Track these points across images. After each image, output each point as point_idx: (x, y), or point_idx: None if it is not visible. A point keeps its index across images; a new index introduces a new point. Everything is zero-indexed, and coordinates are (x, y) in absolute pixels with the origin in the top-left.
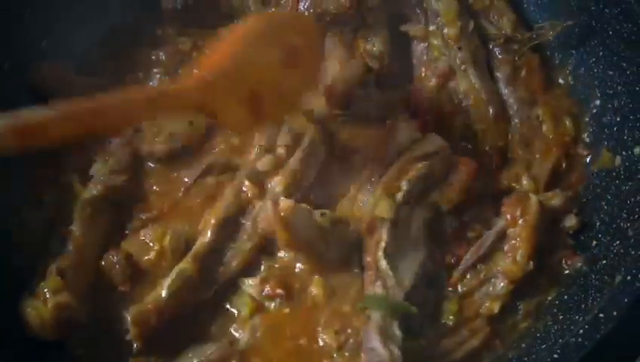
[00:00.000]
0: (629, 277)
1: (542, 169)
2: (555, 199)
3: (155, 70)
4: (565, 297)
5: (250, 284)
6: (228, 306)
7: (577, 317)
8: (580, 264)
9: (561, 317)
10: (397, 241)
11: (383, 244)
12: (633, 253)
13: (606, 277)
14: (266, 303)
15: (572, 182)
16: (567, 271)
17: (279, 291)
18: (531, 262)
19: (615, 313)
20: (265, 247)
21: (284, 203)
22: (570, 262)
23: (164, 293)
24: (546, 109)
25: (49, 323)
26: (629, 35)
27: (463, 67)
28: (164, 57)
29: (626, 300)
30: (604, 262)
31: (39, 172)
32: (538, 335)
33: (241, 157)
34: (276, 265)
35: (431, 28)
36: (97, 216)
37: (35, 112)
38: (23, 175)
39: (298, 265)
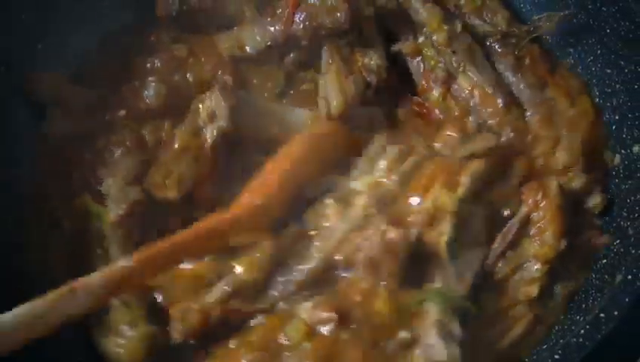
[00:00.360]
0: (629, 277)
1: (573, 141)
2: (576, 181)
3: (150, 78)
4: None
5: (304, 309)
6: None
7: (578, 317)
8: (607, 242)
9: (562, 317)
10: (459, 237)
11: (446, 237)
12: (633, 251)
13: (606, 277)
14: (318, 328)
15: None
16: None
17: (332, 314)
18: (563, 241)
19: (616, 312)
20: (331, 268)
21: (395, 233)
22: (597, 241)
23: (212, 297)
24: (558, 89)
25: (142, 357)
26: (627, 34)
27: (461, 68)
28: (159, 64)
29: (627, 299)
30: (605, 261)
31: (49, 197)
32: (539, 335)
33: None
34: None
35: (420, 40)
36: (130, 235)
37: (119, 266)
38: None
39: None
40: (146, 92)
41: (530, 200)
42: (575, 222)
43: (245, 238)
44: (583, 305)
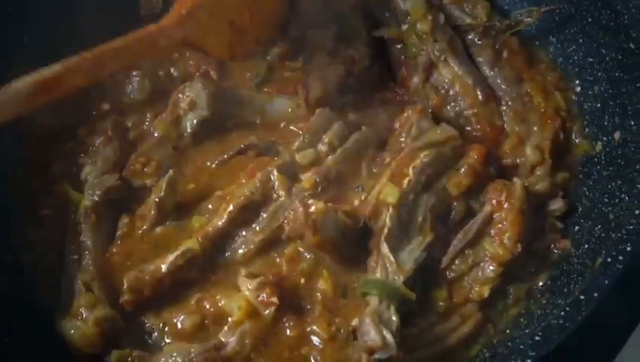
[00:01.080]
0: (609, 259)
1: (543, 138)
2: (540, 183)
3: (134, 73)
4: (549, 282)
5: (248, 287)
6: (222, 302)
7: (560, 301)
8: (569, 247)
9: (544, 301)
10: (401, 226)
11: (385, 230)
12: (614, 235)
13: (588, 261)
14: (260, 309)
15: (569, 161)
16: (556, 255)
17: (274, 300)
18: (519, 245)
19: (596, 294)
20: (274, 241)
21: (316, 206)
22: (559, 245)
23: (164, 268)
24: (534, 85)
25: (94, 339)
26: (608, 22)
27: (442, 57)
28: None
29: (606, 282)
30: (586, 246)
31: (29, 185)
32: (522, 320)
33: (284, 145)
34: (279, 260)
35: (403, 27)
36: (102, 221)
37: (51, 68)
38: (15, 192)
39: (302, 265)
40: (130, 86)
41: (494, 200)
42: (537, 224)
43: (174, 43)
44: (565, 289)
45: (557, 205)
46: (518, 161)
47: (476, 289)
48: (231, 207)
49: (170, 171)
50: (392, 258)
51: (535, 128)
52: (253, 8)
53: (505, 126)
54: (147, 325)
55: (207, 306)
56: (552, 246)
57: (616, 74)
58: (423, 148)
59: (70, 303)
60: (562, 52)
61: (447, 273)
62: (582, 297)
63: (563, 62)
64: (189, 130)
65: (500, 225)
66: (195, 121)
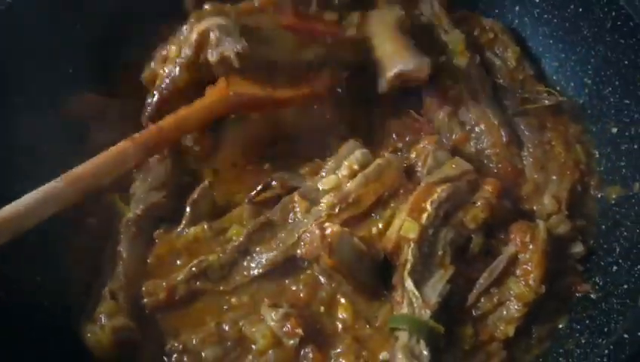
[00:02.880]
0: None
1: (560, 189)
2: (561, 226)
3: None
4: (587, 321)
5: (272, 317)
6: (244, 327)
7: (600, 340)
8: (589, 290)
9: (583, 341)
10: (423, 261)
11: (408, 265)
12: None
13: (628, 301)
14: (284, 340)
15: (587, 209)
16: (577, 297)
17: (298, 331)
18: (543, 286)
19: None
20: (291, 263)
21: (332, 228)
22: (579, 288)
23: (180, 275)
24: (556, 134)
25: (109, 347)
26: None
27: (473, 95)
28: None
29: None
30: (626, 286)
31: None
32: (560, 359)
33: (310, 176)
34: (300, 286)
35: (441, 59)
36: (142, 234)
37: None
38: None
39: (321, 293)
40: None
41: (518, 240)
42: (558, 266)
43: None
44: (605, 329)
45: (577, 248)
46: (535, 207)
47: (501, 328)
48: (249, 227)
49: (206, 181)
50: (417, 292)
51: (554, 177)
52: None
53: (525, 170)
54: (167, 347)
55: (227, 329)
56: (573, 288)
57: None
58: (439, 183)
59: (94, 308)
60: (597, 94)
61: (473, 311)
62: (625, 336)
63: (599, 104)
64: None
65: (524, 266)
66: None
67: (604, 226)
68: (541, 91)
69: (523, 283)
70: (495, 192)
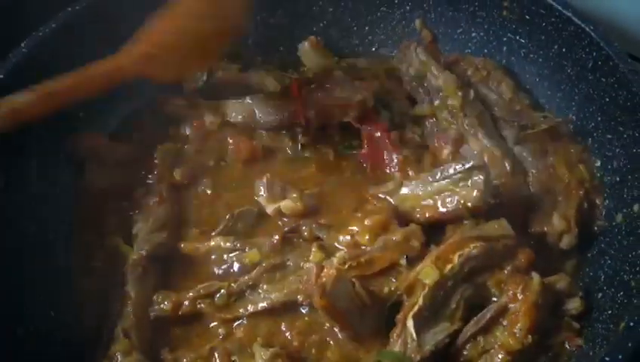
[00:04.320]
0: (631, 324)
1: (568, 208)
2: (560, 282)
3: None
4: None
5: (262, 355)
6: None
7: None
8: (581, 344)
9: None
10: (432, 308)
11: (416, 307)
12: (635, 301)
13: (611, 326)
14: None
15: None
16: (568, 351)
17: None
18: (530, 336)
19: (620, 357)
20: (294, 303)
21: (328, 270)
22: (572, 342)
23: (189, 294)
24: (558, 158)
25: None
26: (625, 102)
27: (472, 131)
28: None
29: (629, 344)
30: (610, 312)
31: (84, 239)
32: None
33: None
34: (295, 332)
35: (436, 103)
36: (147, 273)
37: (21, 96)
38: (70, 245)
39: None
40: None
41: (510, 292)
42: (552, 321)
43: (129, 77)
44: (591, 353)
45: (574, 304)
46: (545, 228)
47: None
48: (264, 264)
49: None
50: (414, 335)
51: (560, 198)
52: (209, 42)
53: (532, 196)
54: (160, 358)
55: (218, 358)
56: (566, 343)
57: (634, 150)
58: (475, 240)
59: (108, 346)
60: (582, 129)
61: (457, 357)
62: (607, 359)
63: (583, 140)
64: None
65: (513, 316)
66: None
67: (589, 255)
68: (537, 117)
69: (509, 332)
70: (526, 263)
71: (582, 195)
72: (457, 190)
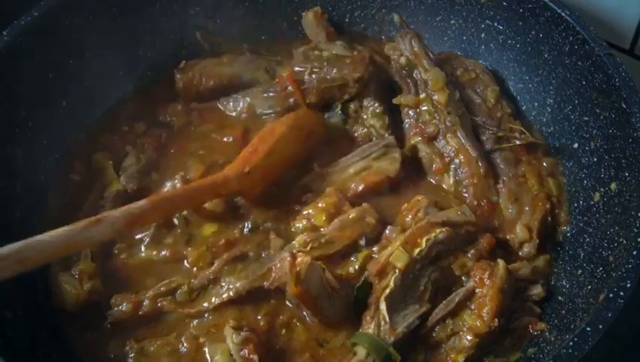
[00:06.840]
0: (611, 295)
1: (532, 219)
2: (523, 269)
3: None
4: (556, 321)
5: (233, 339)
6: (206, 348)
7: (567, 335)
8: (544, 329)
9: (552, 339)
10: (403, 291)
11: (387, 290)
12: (614, 275)
13: (591, 300)
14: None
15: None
16: (532, 335)
17: (254, 357)
18: (496, 320)
19: (601, 326)
20: (258, 290)
21: (302, 258)
22: (535, 327)
23: (149, 292)
24: (530, 168)
25: (81, 303)
26: (601, 84)
27: (453, 128)
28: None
29: (610, 315)
30: (589, 287)
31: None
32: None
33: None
34: (261, 315)
35: (421, 96)
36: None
37: (136, 206)
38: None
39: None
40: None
41: (477, 277)
42: (516, 306)
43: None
44: (572, 326)
45: (536, 291)
46: (508, 236)
47: (452, 356)
48: (225, 256)
49: None
50: (387, 317)
51: (527, 208)
52: (295, 159)
53: (499, 202)
54: (126, 348)
55: (186, 345)
56: (529, 327)
57: (610, 130)
58: (440, 225)
59: (72, 263)
60: (560, 112)
61: (427, 339)
62: (588, 329)
63: (561, 121)
64: None
65: (480, 300)
66: None
67: (569, 234)
68: (515, 130)
69: (476, 315)
70: (488, 247)
71: (548, 208)
72: (380, 164)
